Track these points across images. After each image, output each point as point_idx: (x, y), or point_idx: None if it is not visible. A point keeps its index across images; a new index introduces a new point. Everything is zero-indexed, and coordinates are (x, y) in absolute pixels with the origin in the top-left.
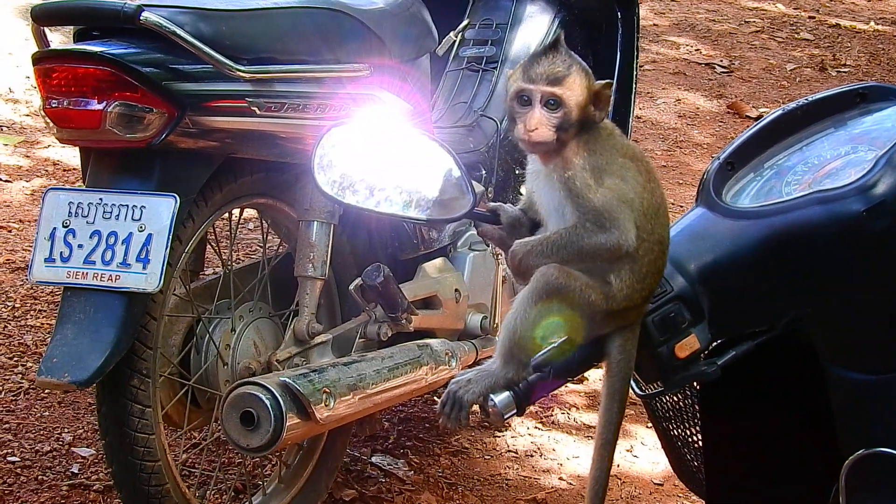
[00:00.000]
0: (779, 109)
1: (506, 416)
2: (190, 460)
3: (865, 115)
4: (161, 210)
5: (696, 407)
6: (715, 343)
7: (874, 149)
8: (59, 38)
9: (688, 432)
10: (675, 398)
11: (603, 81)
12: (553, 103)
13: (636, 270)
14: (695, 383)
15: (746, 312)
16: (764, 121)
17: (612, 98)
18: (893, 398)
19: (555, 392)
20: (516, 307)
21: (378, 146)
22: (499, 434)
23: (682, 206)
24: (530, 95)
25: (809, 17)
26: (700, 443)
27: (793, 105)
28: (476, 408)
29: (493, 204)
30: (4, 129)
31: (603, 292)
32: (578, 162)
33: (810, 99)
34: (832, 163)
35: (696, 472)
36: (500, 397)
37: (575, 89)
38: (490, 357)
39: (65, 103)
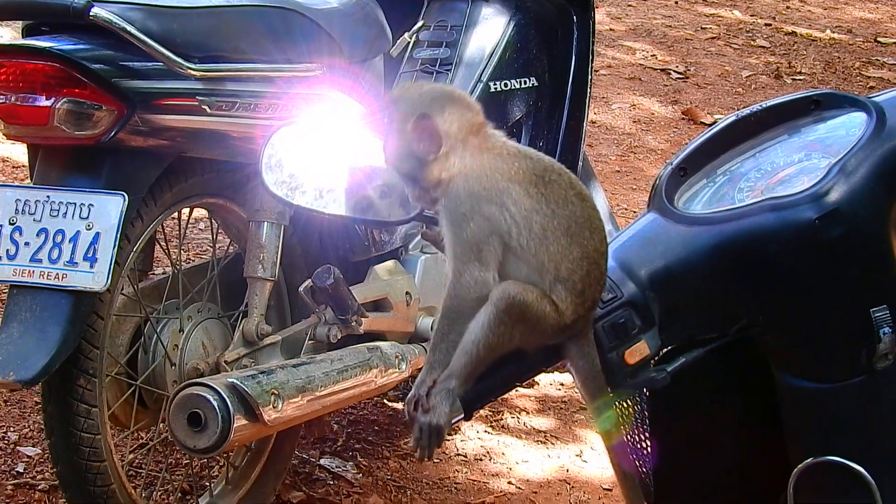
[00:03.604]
0: (732, 115)
1: (454, 421)
2: (136, 461)
3: (819, 123)
4: (109, 209)
5: (646, 413)
6: (665, 349)
7: (828, 156)
8: (10, 34)
9: (637, 438)
10: (625, 404)
11: (412, 119)
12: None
13: (569, 288)
14: (644, 389)
15: (697, 319)
16: (717, 126)
17: (567, 103)
18: (844, 407)
19: (505, 396)
20: (478, 330)
21: (328, 147)
22: (448, 437)
23: (635, 212)
24: None
25: (766, 25)
26: (649, 449)
27: (747, 111)
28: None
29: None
30: None
31: (556, 304)
32: (452, 192)
33: (764, 105)
34: (785, 170)
35: (644, 478)
36: None
37: (388, 151)
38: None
39: (12, 99)
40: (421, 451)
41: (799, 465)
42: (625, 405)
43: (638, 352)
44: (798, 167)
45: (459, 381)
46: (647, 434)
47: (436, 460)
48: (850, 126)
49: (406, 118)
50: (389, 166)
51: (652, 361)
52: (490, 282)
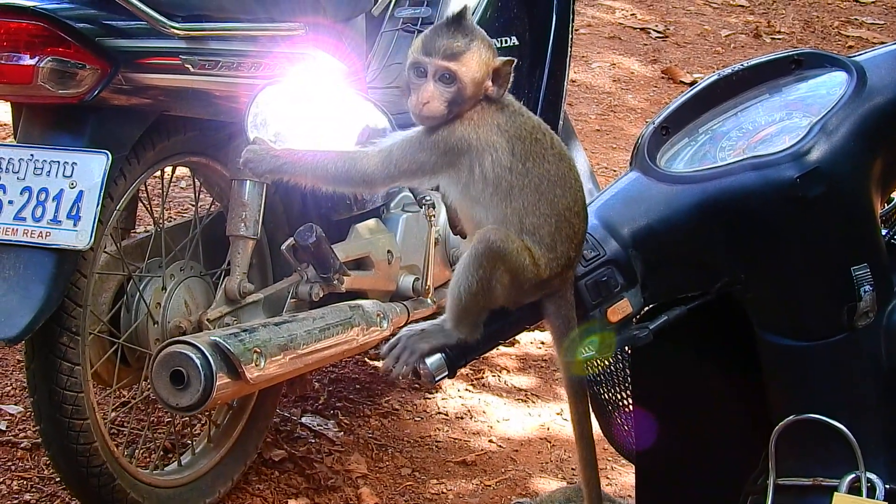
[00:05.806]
0: (714, 74)
1: (437, 378)
2: (119, 419)
3: (800, 82)
4: (93, 167)
5: (628, 371)
6: (647, 307)
7: (808, 115)
8: None
9: (618, 396)
10: (607, 362)
11: (504, 59)
12: (447, 78)
13: (538, 241)
14: (626, 347)
15: (679, 277)
16: (699, 86)
17: (547, 62)
18: (824, 365)
19: (486, 355)
20: (459, 274)
21: (312, 106)
22: (429, 396)
23: (615, 170)
24: (426, 68)
25: None
26: (630, 407)
27: (728, 70)
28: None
29: None
30: None
31: (533, 257)
32: (452, 123)
33: (746, 64)
34: (766, 129)
35: (626, 436)
36: (432, 359)
37: (471, 65)
38: (426, 316)
39: None
40: (390, 360)
41: (780, 423)
42: (607, 363)
43: (620, 310)
44: (779, 126)
45: (453, 324)
46: (628, 392)
47: (417, 418)
48: (830, 85)
49: (492, 56)
50: (447, 65)
51: (634, 319)
52: (369, 184)
